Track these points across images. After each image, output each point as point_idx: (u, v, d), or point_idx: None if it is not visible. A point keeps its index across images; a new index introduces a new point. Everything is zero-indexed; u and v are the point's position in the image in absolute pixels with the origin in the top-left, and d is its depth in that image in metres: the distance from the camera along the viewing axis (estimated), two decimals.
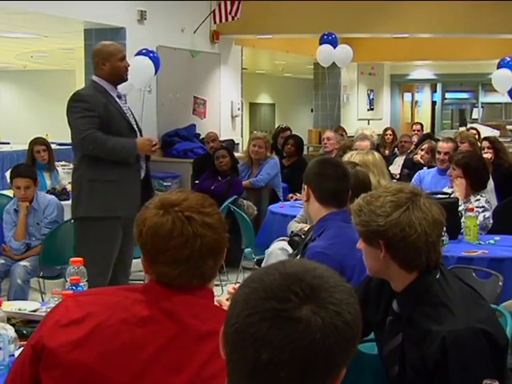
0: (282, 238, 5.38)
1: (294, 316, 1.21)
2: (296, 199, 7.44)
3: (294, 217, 5.59)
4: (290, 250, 4.96)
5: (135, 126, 5.10)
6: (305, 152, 11.23)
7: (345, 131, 12.35)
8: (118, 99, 5.03)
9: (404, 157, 9.47)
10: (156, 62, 8.61)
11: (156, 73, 8.69)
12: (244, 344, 1.23)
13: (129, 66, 5.10)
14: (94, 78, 5.03)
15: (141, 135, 5.13)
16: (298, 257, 3.49)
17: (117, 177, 4.90)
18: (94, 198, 4.90)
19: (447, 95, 23.27)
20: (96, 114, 4.86)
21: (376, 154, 4.98)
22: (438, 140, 7.99)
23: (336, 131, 10.90)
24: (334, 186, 3.25)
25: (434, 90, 23.29)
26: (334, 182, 3.25)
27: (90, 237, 4.93)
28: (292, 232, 5.25)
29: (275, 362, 1.20)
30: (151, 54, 8.63)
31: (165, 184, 9.06)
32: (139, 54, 8.59)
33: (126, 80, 5.12)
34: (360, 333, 1.28)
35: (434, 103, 23.40)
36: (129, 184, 4.96)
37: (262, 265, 5.23)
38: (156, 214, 1.91)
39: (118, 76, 5.02)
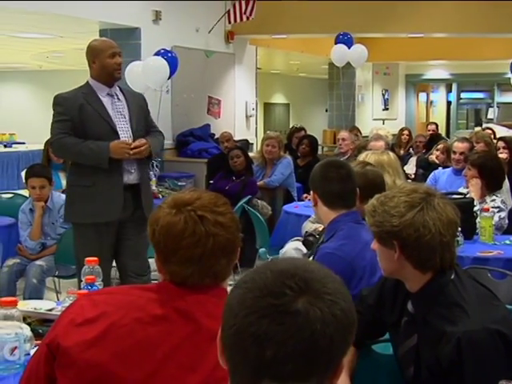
0: (296, 238, 5.38)
1: (291, 309, 1.23)
2: (310, 199, 7.43)
3: (309, 217, 5.58)
4: (305, 250, 4.96)
5: (124, 128, 4.77)
6: (319, 152, 11.21)
7: (359, 131, 12.33)
8: (107, 98, 4.75)
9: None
10: (174, 62, 8.61)
11: (173, 73, 8.69)
12: (245, 344, 1.24)
13: (121, 63, 4.77)
14: (88, 78, 4.81)
15: (133, 137, 4.77)
16: (312, 258, 3.49)
17: (91, 182, 4.69)
18: (72, 204, 4.81)
19: (462, 95, 23.19)
20: (68, 117, 4.66)
21: (391, 153, 4.95)
22: (446, 140, 7.95)
23: (351, 131, 10.89)
24: (339, 188, 3.23)
25: (449, 90, 23.23)
26: (338, 184, 3.23)
27: (76, 241, 4.84)
28: (306, 232, 5.25)
29: (279, 357, 1.22)
30: (169, 54, 8.63)
31: (179, 184, 9.07)
32: (157, 54, 8.60)
33: (118, 78, 4.79)
34: (356, 321, 1.30)
35: (449, 103, 23.34)
36: (105, 189, 4.70)
37: None
38: (169, 214, 1.92)
39: (108, 74, 4.71)
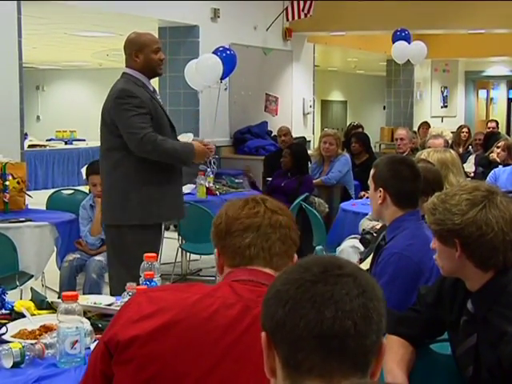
0: (353, 236, 5.35)
1: (340, 272, 1.30)
2: (368, 197, 7.36)
3: (366, 214, 5.54)
4: (362, 248, 4.93)
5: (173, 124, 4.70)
6: (377, 149, 11.13)
7: (429, 126, 12.12)
8: (154, 93, 4.62)
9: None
10: (232, 59, 8.63)
11: (231, 71, 8.72)
12: (303, 312, 1.27)
13: (164, 59, 4.62)
14: (127, 70, 4.58)
15: (175, 133, 4.69)
16: (371, 256, 3.46)
17: (167, 179, 4.53)
18: (141, 204, 4.51)
19: None
20: (147, 110, 4.42)
21: (452, 152, 4.89)
22: (507, 137, 7.82)
23: (420, 126, 10.79)
24: (413, 187, 3.16)
25: (510, 87, 22.87)
26: (412, 184, 3.16)
27: (128, 243, 4.58)
28: (364, 230, 5.22)
29: (339, 315, 1.26)
30: (227, 52, 8.66)
31: (236, 181, 9.10)
32: (216, 51, 8.63)
33: (160, 74, 4.66)
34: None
35: (510, 100, 22.96)
36: (178, 185, 4.64)
37: None
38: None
39: (151, 69, 4.54)
